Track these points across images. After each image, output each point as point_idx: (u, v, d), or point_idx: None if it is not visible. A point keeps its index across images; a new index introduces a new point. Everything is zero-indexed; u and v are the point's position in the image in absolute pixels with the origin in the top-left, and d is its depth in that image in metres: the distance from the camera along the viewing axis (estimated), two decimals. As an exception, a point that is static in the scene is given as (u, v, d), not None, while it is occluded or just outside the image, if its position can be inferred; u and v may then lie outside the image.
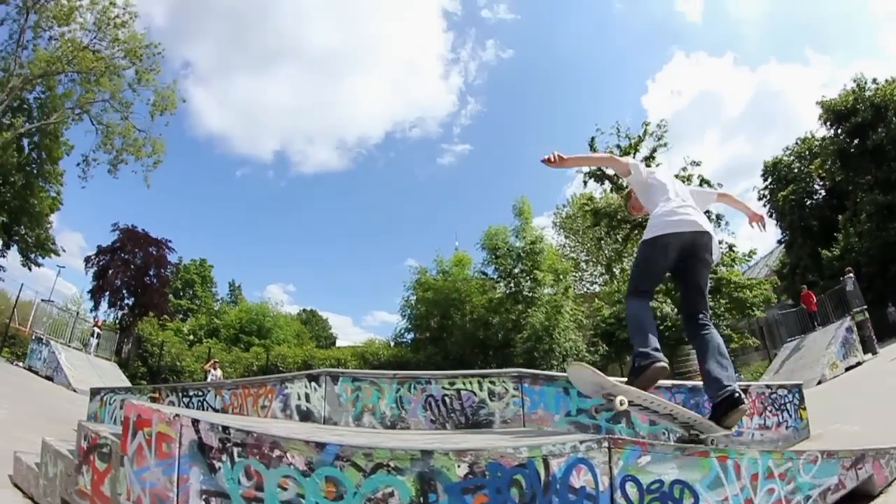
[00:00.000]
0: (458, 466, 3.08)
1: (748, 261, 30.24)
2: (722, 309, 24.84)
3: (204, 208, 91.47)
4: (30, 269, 33.45)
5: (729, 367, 3.94)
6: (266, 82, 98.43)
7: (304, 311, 57.93)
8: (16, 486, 5.43)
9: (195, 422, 3.56)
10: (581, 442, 3.33)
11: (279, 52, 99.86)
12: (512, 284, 27.24)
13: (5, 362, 17.91)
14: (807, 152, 31.68)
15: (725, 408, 3.79)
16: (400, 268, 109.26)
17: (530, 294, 26.42)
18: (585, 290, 36.98)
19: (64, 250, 35.58)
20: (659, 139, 29.30)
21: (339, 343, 45.88)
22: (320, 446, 3.22)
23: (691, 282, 4.11)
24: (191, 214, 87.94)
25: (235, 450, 3.38)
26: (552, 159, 4.32)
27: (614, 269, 33.51)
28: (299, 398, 7.56)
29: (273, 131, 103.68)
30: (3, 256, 30.35)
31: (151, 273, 34.67)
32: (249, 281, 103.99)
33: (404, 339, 31.02)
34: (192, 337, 36.19)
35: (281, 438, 3.32)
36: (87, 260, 34.65)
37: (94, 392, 10.34)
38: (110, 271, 33.36)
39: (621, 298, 26.29)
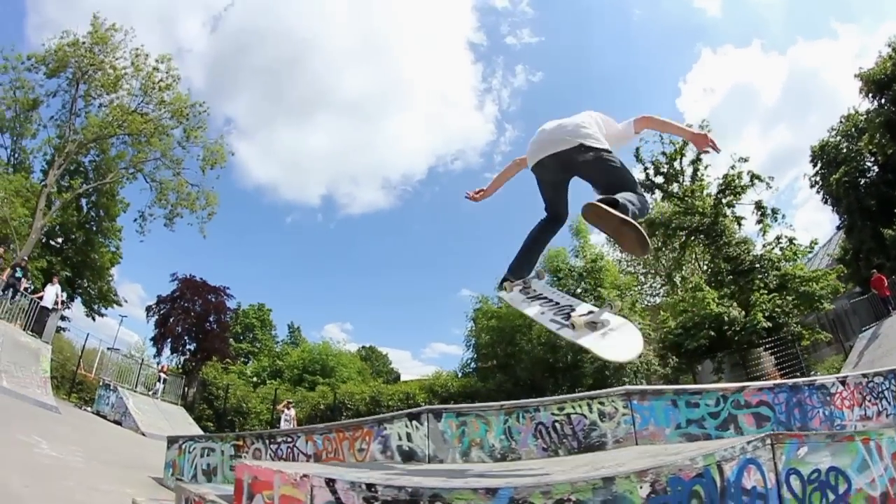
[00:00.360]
0: (641, 488, 2.92)
1: (810, 252, 29.32)
2: (790, 306, 23.93)
3: (258, 255, 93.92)
4: (93, 319, 35.19)
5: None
6: (306, 130, 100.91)
7: (364, 347, 58.10)
8: None
9: (330, 481, 3.34)
10: (748, 442, 3.31)
11: (315, 101, 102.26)
12: None
13: (74, 407, 18.18)
14: (853, 129, 30.31)
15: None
16: (455, 298, 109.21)
17: None
18: (647, 303, 36.14)
19: (126, 300, 37.44)
20: (703, 140, 28.80)
21: (403, 377, 45.60)
22: (491, 492, 2.92)
23: (593, 183, 4.04)
24: (246, 262, 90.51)
25: None
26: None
27: (674, 279, 32.94)
28: (400, 438, 7.43)
29: (318, 176, 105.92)
30: (69, 308, 31.13)
31: (211, 319, 35.23)
32: (308, 322, 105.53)
33: (471, 370, 30.65)
34: (255, 379, 36.75)
35: (443, 490, 3.06)
36: (149, 309, 35.44)
37: (172, 440, 10.08)
38: (171, 319, 34.00)
39: (686, 308, 25.93)
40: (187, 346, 34.55)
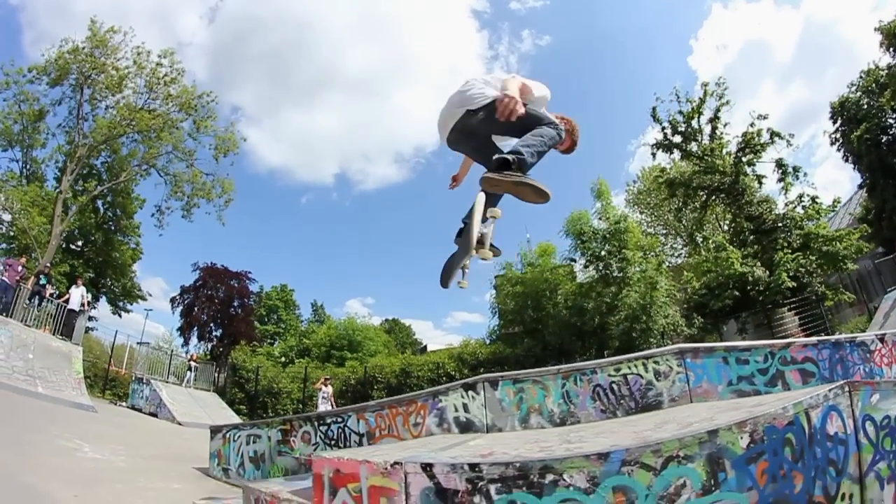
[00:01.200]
0: (741, 438, 3.01)
1: (832, 211, 28.91)
2: (813, 265, 23.71)
3: (277, 237, 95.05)
4: (120, 315, 36.01)
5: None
6: (314, 111, 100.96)
7: (387, 320, 58.64)
8: None
9: (427, 466, 3.26)
10: (829, 390, 3.38)
11: (321, 81, 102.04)
12: (601, 267, 26.59)
13: (109, 404, 18.44)
14: (874, 85, 29.19)
15: None
16: (474, 267, 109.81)
17: (621, 275, 25.78)
18: (669, 263, 35.94)
19: (150, 294, 38.12)
20: (720, 98, 28.43)
21: (428, 347, 45.87)
22: (603, 456, 2.97)
23: (500, 134, 4.15)
24: (266, 245, 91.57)
25: (492, 487, 3.07)
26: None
27: (696, 238, 32.75)
28: (456, 409, 7.36)
29: (330, 156, 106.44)
30: (94, 308, 31.80)
31: (235, 304, 35.79)
32: (330, 299, 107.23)
33: (498, 336, 30.62)
34: (283, 359, 37.34)
35: (553, 460, 3.05)
36: (173, 300, 36.13)
37: (215, 430, 9.94)
38: (196, 308, 34.62)
39: (710, 268, 25.73)
40: (214, 333, 35.22)
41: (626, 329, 24.07)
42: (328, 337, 39.03)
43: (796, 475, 3.08)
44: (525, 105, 3.83)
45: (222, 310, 35.09)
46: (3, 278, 16.01)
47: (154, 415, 18.58)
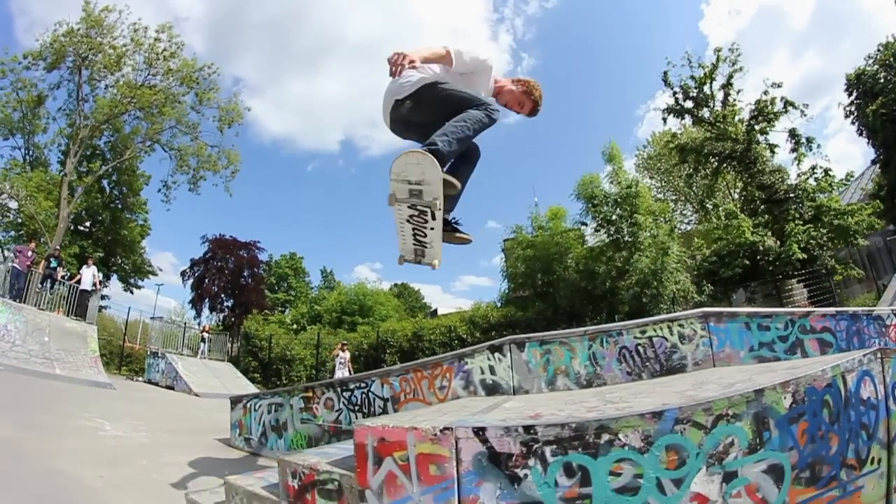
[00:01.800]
0: (785, 399, 3.07)
1: (845, 185, 28.76)
2: (824, 238, 23.69)
3: (284, 206, 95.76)
4: (131, 292, 36.58)
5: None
6: (317, 79, 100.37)
7: (396, 285, 58.83)
8: None
9: (480, 430, 3.18)
10: (864, 356, 3.44)
11: (323, 49, 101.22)
12: (612, 231, 26.66)
13: (126, 380, 18.71)
14: (892, 59, 28.91)
15: None
16: (482, 231, 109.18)
17: (631, 239, 25.82)
18: (679, 230, 35.69)
19: (160, 269, 38.51)
20: (734, 64, 28.17)
21: (439, 311, 45.93)
22: (657, 415, 2.99)
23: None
24: (273, 215, 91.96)
25: (548, 449, 3.04)
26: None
27: (707, 205, 32.68)
28: (483, 372, 7.25)
29: (334, 123, 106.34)
30: (106, 286, 32.20)
31: (245, 274, 36.33)
32: (338, 266, 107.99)
33: (509, 300, 30.67)
34: (295, 326, 37.66)
35: (609, 420, 3.05)
36: (183, 273, 36.76)
37: (235, 400, 9.86)
38: (206, 280, 35.26)
39: (721, 236, 25.82)
40: (225, 304, 35.93)
41: (636, 294, 24.14)
42: (339, 303, 39.23)
43: (832, 437, 3.17)
44: (443, 84, 3.95)
45: (233, 280, 35.59)
46: (14, 265, 16.16)
47: (171, 388, 18.87)
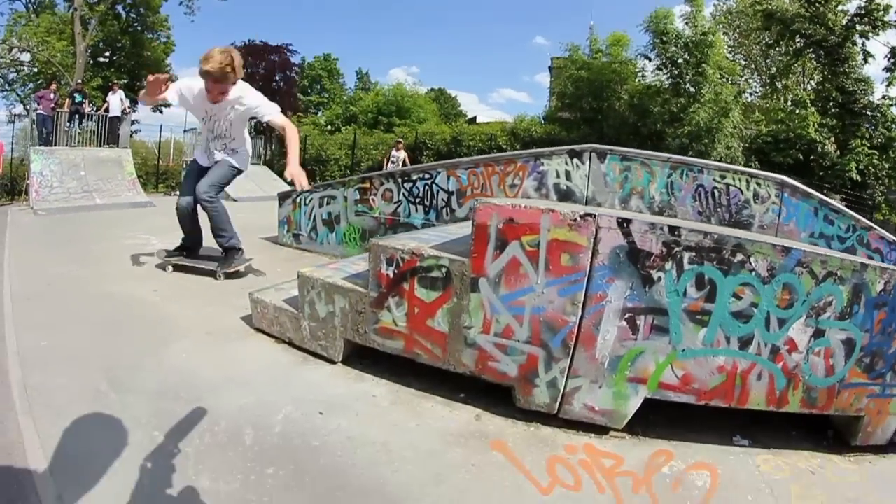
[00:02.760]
0: (878, 283, 3.14)
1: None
2: (885, 172, 22.55)
3: (316, 5, 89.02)
4: (161, 111, 35.28)
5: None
6: None
7: (433, 90, 56.92)
8: (259, 331, 4.66)
9: (623, 222, 3.01)
10: None
11: None
12: (675, 74, 25.10)
13: (164, 196, 18.29)
14: None
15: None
16: (528, 45, 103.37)
17: (694, 90, 24.49)
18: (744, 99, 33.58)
19: None
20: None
21: (478, 120, 43.98)
22: (786, 251, 3.02)
23: None
24: (305, 15, 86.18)
25: (686, 256, 2.98)
26: None
27: (777, 84, 30.44)
28: (558, 175, 7.01)
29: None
30: (135, 110, 31.27)
31: (277, 78, 34.94)
32: (372, 68, 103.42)
33: (554, 118, 29.50)
34: (330, 127, 37.09)
35: (746, 241, 3.01)
36: None
37: (284, 196, 9.22)
38: None
39: (784, 119, 24.71)
40: None
41: (683, 145, 23.13)
42: (375, 104, 37.74)
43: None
44: None
45: (264, 86, 33.89)
46: (39, 111, 15.70)
47: None
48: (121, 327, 4.48)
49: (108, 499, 2.39)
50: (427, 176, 7.64)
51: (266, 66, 34.58)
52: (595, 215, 3.02)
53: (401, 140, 20.37)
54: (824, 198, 7.01)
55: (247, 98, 5.23)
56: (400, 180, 7.85)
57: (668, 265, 3.01)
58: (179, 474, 2.62)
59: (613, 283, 3.05)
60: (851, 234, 6.69)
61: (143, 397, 3.32)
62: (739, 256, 3.00)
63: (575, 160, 7.03)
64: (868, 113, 24.05)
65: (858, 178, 21.99)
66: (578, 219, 3.00)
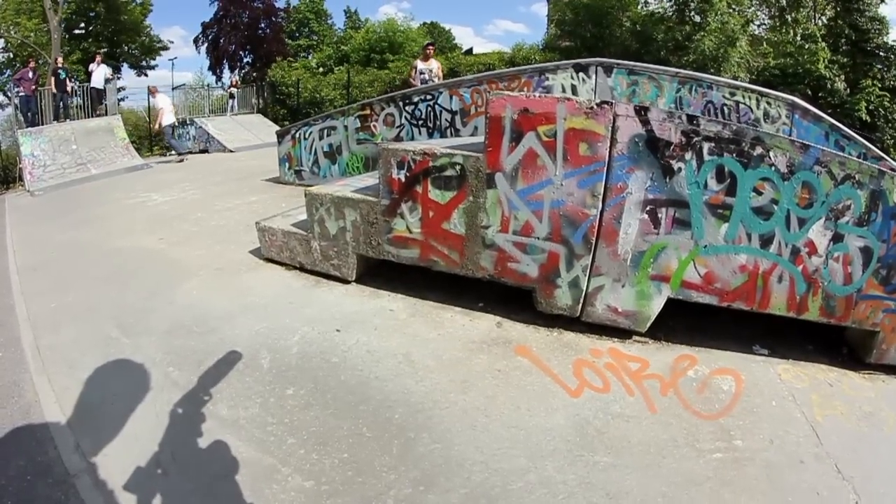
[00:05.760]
0: (893, 192, 3.11)
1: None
2: (894, 115, 21.86)
3: None
4: (146, 75, 33.94)
5: None
6: None
7: (425, 24, 55.61)
8: (269, 260, 4.68)
9: (642, 110, 2.95)
10: None
11: None
12: (681, 1, 24.24)
13: (160, 158, 17.95)
14: None
15: None
16: None
17: (699, 18, 23.72)
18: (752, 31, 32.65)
19: (171, 42, 37.10)
20: None
21: (475, 51, 43.24)
22: (804, 148, 2.99)
23: None
24: None
25: (706, 146, 2.93)
26: None
27: (787, 17, 29.38)
28: (564, 90, 6.85)
29: None
30: (120, 77, 30.09)
31: (262, 25, 34.14)
32: (362, 5, 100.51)
33: (553, 46, 28.53)
34: (321, 69, 36.19)
35: (765, 135, 2.97)
36: (196, 40, 34.35)
37: (283, 132, 9.20)
38: (221, 40, 33.12)
39: (792, 51, 24.11)
40: (245, 61, 34.18)
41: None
42: (367, 41, 36.61)
43: (911, 253, 3.29)
44: None
45: (249, 34, 33.49)
46: (21, 93, 15.09)
47: (205, 151, 18.64)
48: (130, 277, 4.56)
49: (124, 441, 2.47)
50: (429, 97, 7.48)
51: (250, 13, 33.80)
52: (612, 103, 2.97)
53: (432, 43, 13.10)
54: (836, 122, 6.90)
55: None
56: (401, 104, 7.71)
57: (687, 155, 2.96)
58: (196, 406, 2.68)
59: (633, 173, 3.00)
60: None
61: (155, 338, 3.40)
62: (759, 150, 2.96)
63: (581, 74, 6.88)
64: (881, 53, 23.44)
65: (868, 119, 21.42)
66: (595, 107, 2.95)
